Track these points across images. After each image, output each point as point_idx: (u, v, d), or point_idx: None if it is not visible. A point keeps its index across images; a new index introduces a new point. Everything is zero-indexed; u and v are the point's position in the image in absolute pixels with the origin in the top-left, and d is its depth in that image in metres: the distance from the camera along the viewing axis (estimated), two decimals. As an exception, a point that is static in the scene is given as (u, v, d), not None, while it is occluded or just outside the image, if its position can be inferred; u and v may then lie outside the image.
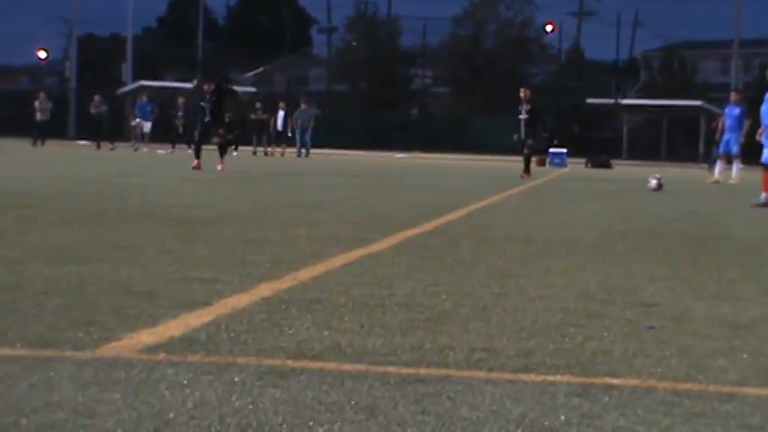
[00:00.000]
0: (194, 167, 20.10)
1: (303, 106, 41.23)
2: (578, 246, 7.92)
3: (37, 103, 41.30)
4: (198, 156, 20.61)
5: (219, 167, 20.06)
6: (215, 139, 21.22)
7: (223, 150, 20.90)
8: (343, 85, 73.30)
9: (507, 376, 3.42)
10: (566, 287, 5.51)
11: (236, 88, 22.35)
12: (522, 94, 24.12)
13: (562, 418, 2.94)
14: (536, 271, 6.20)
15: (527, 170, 23.89)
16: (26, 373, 3.19)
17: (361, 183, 18.78)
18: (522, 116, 23.83)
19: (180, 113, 40.55)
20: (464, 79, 70.68)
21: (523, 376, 3.43)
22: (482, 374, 3.43)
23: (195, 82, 22.40)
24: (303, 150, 39.00)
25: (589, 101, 59.36)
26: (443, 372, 3.45)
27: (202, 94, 21.02)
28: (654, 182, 18.45)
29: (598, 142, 57.18)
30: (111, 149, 38.20)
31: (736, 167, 24.10)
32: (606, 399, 3.17)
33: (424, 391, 3.17)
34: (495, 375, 3.42)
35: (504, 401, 3.08)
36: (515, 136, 24.09)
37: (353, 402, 3.01)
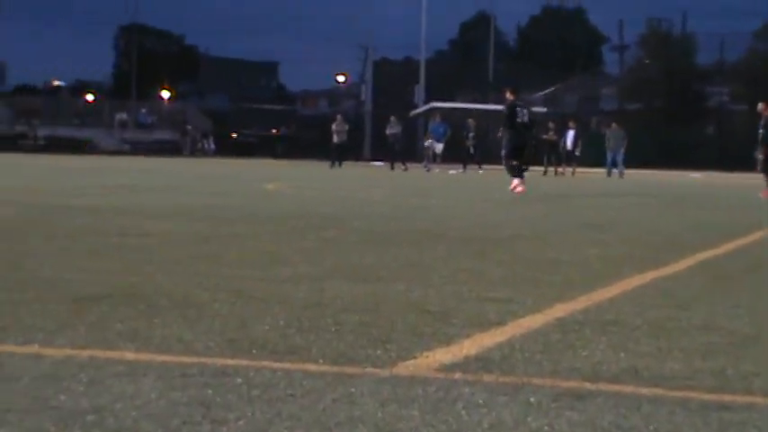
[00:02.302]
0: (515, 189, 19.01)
1: (614, 126, 40.52)
2: None
3: (334, 126, 42.81)
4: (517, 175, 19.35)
5: (518, 190, 18.96)
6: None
7: (513, 170, 19.60)
8: (635, 103, 71.97)
9: (818, 406, 3.24)
10: None
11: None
12: (760, 108, 22.37)
13: None
14: None
15: None
16: (329, 388, 3.30)
17: (654, 202, 18.36)
18: (762, 131, 22.03)
19: (470, 134, 41.14)
20: (764, 95, 67.87)
21: (837, 407, 3.24)
22: (791, 404, 3.26)
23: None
24: (615, 170, 37.93)
25: None
26: (748, 399, 3.30)
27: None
28: None
29: None
30: (404, 170, 39.09)
31: None
32: None
33: (728, 418, 3.05)
34: (804, 405, 3.25)
35: (816, 433, 2.92)
36: (756, 153, 22.55)
37: (652, 427, 2.93)
